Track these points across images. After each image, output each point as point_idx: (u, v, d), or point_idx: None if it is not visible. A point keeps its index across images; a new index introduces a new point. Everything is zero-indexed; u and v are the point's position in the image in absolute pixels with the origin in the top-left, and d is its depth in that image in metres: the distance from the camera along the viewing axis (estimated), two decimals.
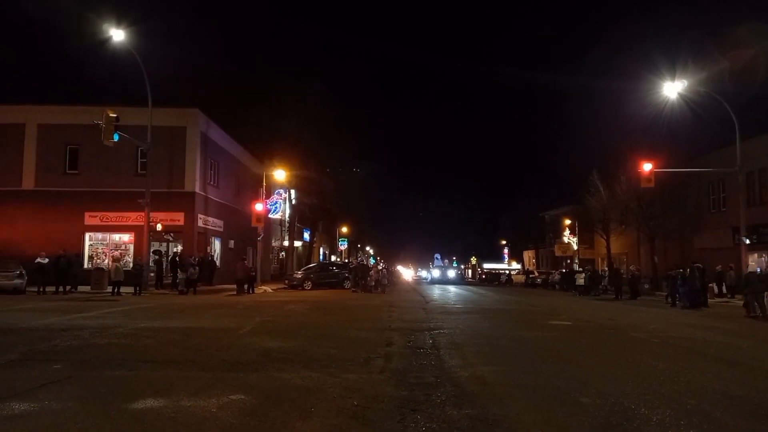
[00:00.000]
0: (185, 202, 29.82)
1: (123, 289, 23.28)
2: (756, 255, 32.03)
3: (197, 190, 30.34)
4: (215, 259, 33.03)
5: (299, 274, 35.03)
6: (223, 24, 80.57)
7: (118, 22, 24.83)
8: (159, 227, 27.52)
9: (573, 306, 23.81)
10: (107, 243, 30.02)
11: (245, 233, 36.64)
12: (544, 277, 51.65)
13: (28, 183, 29.52)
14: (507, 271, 77.90)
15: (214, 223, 33.46)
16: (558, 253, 62.05)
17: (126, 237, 29.68)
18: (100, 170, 29.19)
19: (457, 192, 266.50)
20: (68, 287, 24.00)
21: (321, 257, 61.17)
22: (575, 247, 56.76)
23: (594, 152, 49.51)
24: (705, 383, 7.38)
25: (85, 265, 28.46)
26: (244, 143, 38.90)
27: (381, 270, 37.46)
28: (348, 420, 5.37)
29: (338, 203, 50.57)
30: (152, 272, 26.68)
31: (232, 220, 36.01)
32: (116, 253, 29.19)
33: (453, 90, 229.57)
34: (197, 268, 25.93)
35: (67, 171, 29.74)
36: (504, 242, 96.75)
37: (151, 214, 26.41)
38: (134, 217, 27.94)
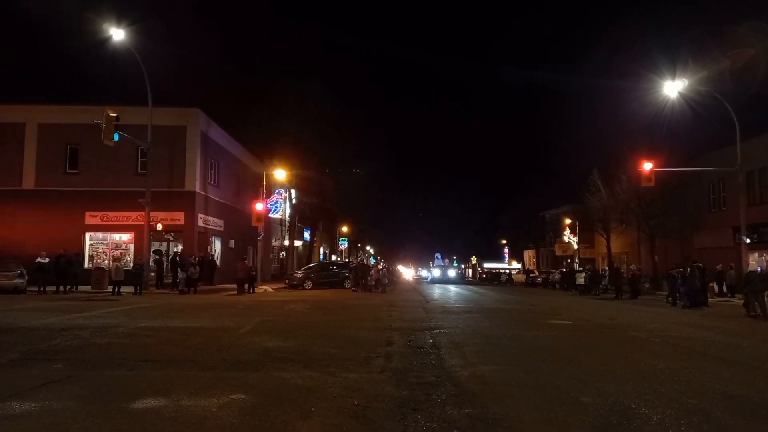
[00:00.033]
0: (185, 201, 29.82)
1: (123, 289, 23.28)
2: (756, 254, 32.02)
3: (197, 189, 30.34)
4: (215, 258, 33.03)
5: (299, 274, 35.03)
6: (223, 24, 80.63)
7: (119, 22, 24.85)
8: (159, 227, 27.52)
9: (573, 305, 23.81)
10: (108, 242, 30.02)
11: (245, 233, 36.65)
12: (544, 276, 51.64)
13: (29, 182, 29.52)
14: (507, 271, 77.86)
15: (215, 222, 33.46)
16: (558, 252, 62.03)
17: (126, 236, 29.68)
18: (101, 170, 29.18)
19: (457, 192, 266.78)
20: (69, 287, 24.02)
21: (321, 257, 61.16)
22: (575, 246, 56.74)
23: (594, 152, 49.61)
24: (705, 382, 7.39)
25: (86, 265, 28.47)
26: (244, 143, 38.90)
27: (381, 269, 37.48)
28: (348, 419, 5.37)
29: (338, 203, 50.58)
30: (153, 272, 26.69)
31: (233, 220, 36.01)
32: (117, 252, 29.19)
33: (453, 90, 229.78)
34: (197, 267, 25.93)
35: (68, 170, 29.73)
36: (504, 242, 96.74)
37: (152, 214, 26.43)
38: (134, 217, 27.95)
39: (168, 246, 30.05)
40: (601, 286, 34.52)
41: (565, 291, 39.78)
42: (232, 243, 36.62)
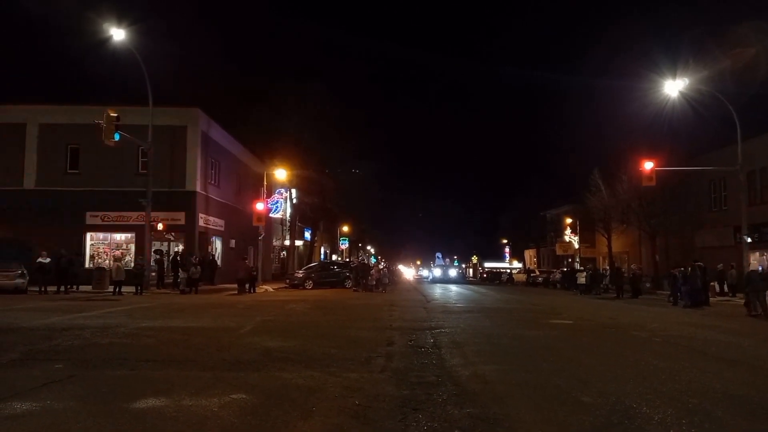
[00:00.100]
0: (186, 201, 29.81)
1: (124, 289, 23.29)
2: (757, 254, 32.03)
3: (198, 189, 30.34)
4: (216, 258, 33.05)
5: (300, 274, 35.04)
6: (223, 24, 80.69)
7: (119, 22, 24.84)
8: (160, 227, 27.52)
9: (574, 305, 23.80)
10: (108, 242, 30.04)
11: (246, 232, 36.65)
12: (545, 276, 51.62)
13: (29, 183, 29.53)
14: (508, 270, 77.84)
15: (215, 222, 33.46)
16: (559, 252, 62.02)
17: (127, 236, 29.70)
18: (102, 170, 29.17)
19: (457, 191, 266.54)
20: (69, 287, 24.03)
21: (322, 256, 61.15)
22: (576, 245, 56.73)
23: (595, 151, 49.52)
24: (706, 382, 7.38)
25: (87, 265, 28.50)
26: (245, 143, 38.90)
27: (382, 269, 37.48)
28: (349, 419, 5.37)
29: (339, 203, 50.63)
30: (153, 272, 26.71)
31: (233, 220, 36.01)
32: (117, 252, 29.23)
33: (453, 90, 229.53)
34: (198, 267, 25.94)
35: (68, 171, 29.74)
36: (505, 241, 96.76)
37: (152, 214, 26.43)
38: (135, 217, 27.96)
39: (169, 246, 30.07)
40: (602, 286, 34.49)
41: (566, 290, 39.75)
42: (232, 243, 36.62)
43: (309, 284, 32.86)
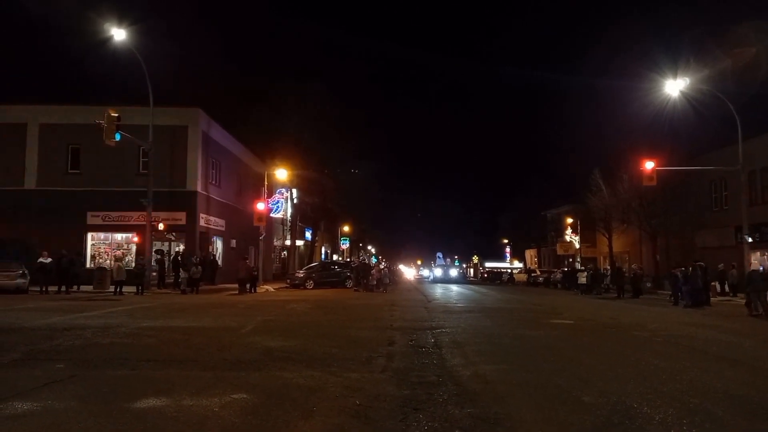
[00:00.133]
0: (187, 201, 29.82)
1: (125, 289, 23.31)
2: (758, 254, 32.00)
3: (199, 189, 30.36)
4: (217, 258, 33.07)
5: (301, 274, 35.06)
6: (223, 24, 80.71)
7: (120, 22, 24.84)
8: (161, 227, 27.54)
9: (575, 305, 23.79)
10: (109, 242, 30.06)
11: (247, 232, 36.67)
12: (546, 275, 51.62)
13: (30, 183, 29.56)
14: (509, 270, 77.88)
15: (216, 222, 33.48)
16: (560, 251, 62.00)
17: (128, 236, 29.72)
18: (102, 170, 29.20)
19: (457, 192, 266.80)
20: (70, 287, 24.03)
21: (323, 256, 61.17)
22: (577, 245, 56.70)
23: (595, 151, 49.49)
24: (707, 382, 7.38)
25: (88, 265, 28.52)
26: (245, 143, 38.93)
27: (383, 269, 37.50)
28: (350, 419, 5.37)
29: (339, 203, 50.67)
30: (154, 272, 26.72)
31: (234, 220, 36.02)
32: (118, 252, 29.24)
33: (453, 90, 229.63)
34: (199, 267, 25.96)
35: (69, 171, 29.77)
36: (505, 241, 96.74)
37: (153, 214, 26.45)
38: (136, 217, 27.98)
39: (170, 246, 30.09)
40: (602, 286, 34.46)
41: (567, 290, 39.74)
42: (233, 243, 36.64)
43: (310, 284, 32.88)
